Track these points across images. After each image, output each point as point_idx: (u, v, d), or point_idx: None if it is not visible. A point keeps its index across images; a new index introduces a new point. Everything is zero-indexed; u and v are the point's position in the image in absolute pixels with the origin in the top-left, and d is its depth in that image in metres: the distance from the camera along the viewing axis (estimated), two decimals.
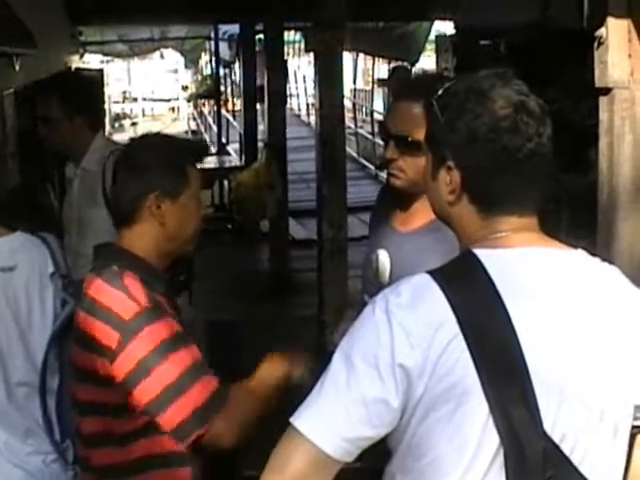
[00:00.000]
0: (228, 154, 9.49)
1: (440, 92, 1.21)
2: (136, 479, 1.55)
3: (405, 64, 9.60)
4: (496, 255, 1.13)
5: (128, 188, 1.58)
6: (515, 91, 1.16)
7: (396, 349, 1.08)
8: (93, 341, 1.52)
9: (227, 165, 8.47)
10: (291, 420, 1.11)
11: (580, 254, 1.18)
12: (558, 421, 1.08)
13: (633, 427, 1.15)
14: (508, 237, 1.16)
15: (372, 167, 10.98)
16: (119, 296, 1.51)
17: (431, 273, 1.12)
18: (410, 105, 1.71)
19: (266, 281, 6.35)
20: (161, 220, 1.58)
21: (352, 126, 12.30)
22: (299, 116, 16.37)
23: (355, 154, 11.94)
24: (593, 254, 1.20)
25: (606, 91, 1.99)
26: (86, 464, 1.63)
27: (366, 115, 13.96)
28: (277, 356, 1.63)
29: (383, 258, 1.81)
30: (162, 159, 1.59)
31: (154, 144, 1.67)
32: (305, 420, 1.10)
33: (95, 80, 8.24)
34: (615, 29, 1.94)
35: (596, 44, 2.01)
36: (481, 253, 1.13)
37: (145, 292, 1.52)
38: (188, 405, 1.47)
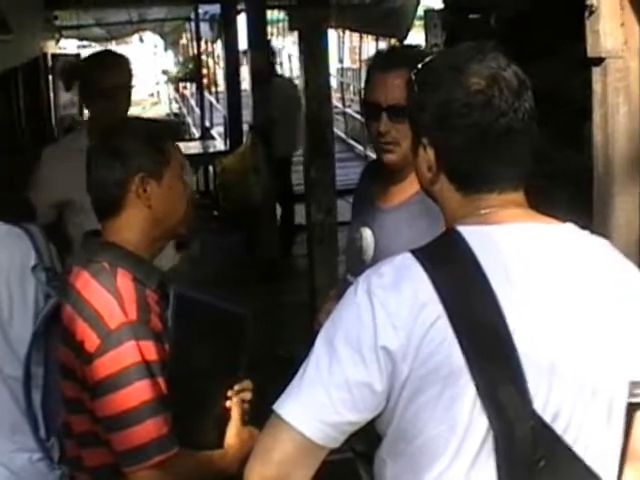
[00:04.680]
0: (212, 138, 9.37)
1: (419, 67, 1.18)
2: None
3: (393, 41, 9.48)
4: (481, 232, 1.10)
5: (111, 174, 1.54)
6: (490, 65, 1.11)
7: (379, 331, 1.05)
8: (74, 339, 1.49)
9: (211, 150, 8.34)
10: (274, 407, 1.08)
11: (569, 228, 1.15)
12: (549, 400, 1.05)
13: (631, 404, 1.12)
14: (493, 213, 1.12)
15: (361, 147, 10.87)
16: (109, 300, 1.46)
17: (413, 252, 1.09)
18: (398, 73, 1.69)
19: (256, 268, 6.28)
20: (148, 204, 1.53)
21: (340, 105, 12.19)
22: None
23: (343, 134, 11.82)
24: (583, 227, 1.16)
25: (599, 61, 1.93)
26: (79, 465, 1.57)
27: (354, 94, 13.85)
28: (245, 435, 1.56)
29: (367, 236, 1.79)
30: (139, 140, 1.56)
31: (128, 127, 1.65)
32: (288, 407, 1.07)
33: None
34: None
35: (587, 13, 1.95)
36: (465, 230, 1.10)
37: (136, 299, 1.46)
38: (144, 435, 1.41)
